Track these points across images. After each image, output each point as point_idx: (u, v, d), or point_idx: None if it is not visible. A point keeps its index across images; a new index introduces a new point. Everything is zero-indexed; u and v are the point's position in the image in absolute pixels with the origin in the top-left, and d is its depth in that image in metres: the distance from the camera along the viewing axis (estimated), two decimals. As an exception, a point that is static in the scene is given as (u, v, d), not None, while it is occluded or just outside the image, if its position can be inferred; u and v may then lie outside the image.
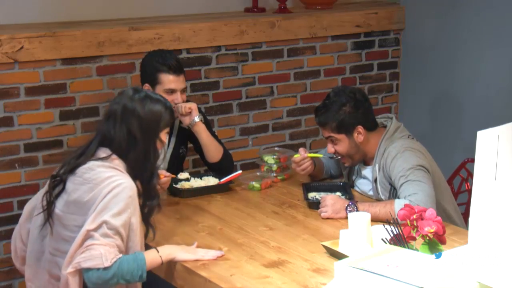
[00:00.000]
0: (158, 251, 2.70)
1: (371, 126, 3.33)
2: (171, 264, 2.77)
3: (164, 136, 2.81)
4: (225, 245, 2.88)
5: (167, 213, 3.25)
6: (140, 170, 2.74)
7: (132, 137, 2.72)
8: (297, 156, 3.49)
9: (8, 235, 3.91)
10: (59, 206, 2.73)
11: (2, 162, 3.85)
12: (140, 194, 2.73)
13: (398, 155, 3.20)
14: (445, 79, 4.72)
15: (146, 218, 2.77)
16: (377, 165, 3.29)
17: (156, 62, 3.52)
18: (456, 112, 4.68)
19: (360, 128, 3.29)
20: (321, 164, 3.63)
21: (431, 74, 4.81)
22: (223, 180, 3.54)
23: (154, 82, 3.51)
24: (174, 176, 3.42)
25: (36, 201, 2.86)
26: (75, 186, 2.70)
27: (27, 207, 2.91)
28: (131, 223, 2.63)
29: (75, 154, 2.77)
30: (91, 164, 2.70)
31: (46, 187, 2.79)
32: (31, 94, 3.86)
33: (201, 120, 3.59)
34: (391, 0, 5.04)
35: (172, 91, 3.52)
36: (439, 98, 4.78)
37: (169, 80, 3.50)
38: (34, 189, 3.90)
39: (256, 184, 3.54)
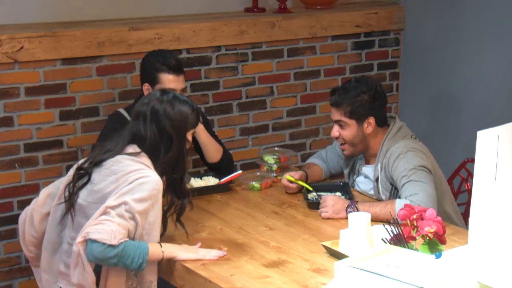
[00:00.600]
0: (161, 246, 2.72)
1: (381, 121, 3.33)
2: (171, 264, 2.77)
3: (190, 136, 2.88)
4: (225, 245, 2.88)
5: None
6: (173, 169, 2.80)
7: (166, 137, 2.78)
8: (289, 178, 3.45)
9: (8, 235, 3.92)
10: (83, 196, 2.77)
11: (2, 162, 3.84)
12: (169, 192, 2.81)
13: (401, 156, 3.20)
14: (445, 79, 4.72)
15: (178, 216, 2.87)
16: (379, 164, 3.28)
17: (156, 62, 3.51)
18: (456, 112, 4.68)
19: (371, 119, 3.28)
20: (318, 171, 3.62)
21: (431, 74, 4.81)
22: (223, 180, 3.54)
23: (153, 82, 3.51)
24: None
25: (53, 189, 2.89)
26: (101, 177, 2.74)
27: (44, 192, 2.91)
28: (149, 215, 2.66)
29: (103, 150, 2.82)
30: (119, 157, 2.76)
31: (68, 177, 2.82)
32: (31, 94, 3.86)
33: (199, 121, 3.59)
34: (391, 0, 5.04)
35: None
36: (439, 98, 4.78)
37: (168, 80, 3.49)
38: (34, 189, 3.90)
39: (256, 184, 3.54)
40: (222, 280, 2.60)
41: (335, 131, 3.35)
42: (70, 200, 2.77)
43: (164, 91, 2.88)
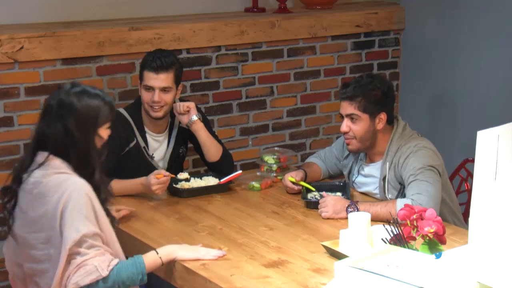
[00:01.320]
0: (157, 253, 2.69)
1: (391, 119, 3.33)
2: (171, 264, 2.77)
3: (104, 132, 2.71)
4: (225, 245, 2.88)
5: (167, 213, 3.25)
6: (82, 167, 2.64)
7: (69, 133, 2.61)
8: (291, 180, 3.45)
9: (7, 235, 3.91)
10: (19, 227, 2.65)
11: (2, 162, 3.84)
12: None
13: (411, 155, 3.20)
14: (445, 79, 4.72)
15: (106, 210, 2.70)
16: (387, 163, 3.27)
17: (144, 59, 3.57)
18: (456, 112, 4.68)
19: (383, 115, 3.27)
20: (318, 171, 3.62)
21: (431, 74, 4.81)
22: (223, 180, 3.54)
23: (141, 79, 3.57)
24: (173, 176, 3.43)
25: None
26: (28, 204, 2.62)
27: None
28: (97, 217, 2.57)
29: (18, 166, 2.69)
30: (35, 175, 2.60)
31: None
32: (31, 94, 3.86)
33: (199, 119, 3.59)
34: (391, 0, 5.04)
35: (149, 88, 3.52)
36: (439, 98, 4.78)
37: (148, 77, 3.52)
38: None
39: (256, 184, 3.54)
40: (222, 280, 2.60)
41: (346, 125, 3.28)
42: (8, 229, 2.67)
43: (74, 84, 2.71)
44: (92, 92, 2.70)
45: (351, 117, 3.28)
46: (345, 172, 3.54)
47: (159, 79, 3.51)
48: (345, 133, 3.31)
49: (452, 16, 4.62)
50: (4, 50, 3.73)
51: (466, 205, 3.72)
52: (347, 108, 3.28)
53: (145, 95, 3.53)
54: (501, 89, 4.38)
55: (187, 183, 3.53)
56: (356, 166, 3.48)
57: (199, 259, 2.73)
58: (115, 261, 2.55)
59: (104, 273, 2.50)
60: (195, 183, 3.54)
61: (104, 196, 2.69)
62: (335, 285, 2.33)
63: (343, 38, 4.73)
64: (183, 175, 3.56)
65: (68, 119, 2.62)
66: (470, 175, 3.79)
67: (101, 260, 2.51)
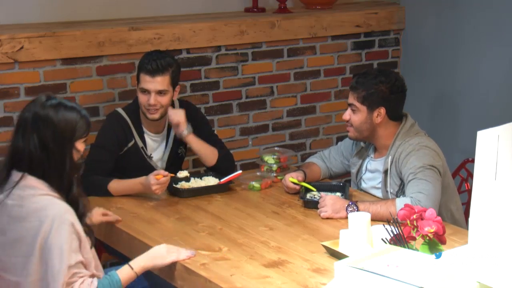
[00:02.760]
0: (131, 267, 2.65)
1: (393, 115, 3.33)
2: (171, 265, 2.76)
3: (80, 145, 2.64)
4: (225, 245, 2.88)
5: (167, 213, 3.25)
6: (58, 182, 2.58)
7: (45, 147, 2.54)
8: (293, 180, 3.45)
9: None
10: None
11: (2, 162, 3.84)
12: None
13: (413, 152, 3.20)
14: (445, 79, 4.72)
15: (82, 223, 2.64)
16: (390, 157, 3.28)
17: (141, 61, 3.56)
18: (456, 112, 4.68)
19: (382, 110, 3.28)
20: (317, 171, 3.62)
21: (431, 74, 4.81)
22: (223, 180, 3.54)
23: (138, 81, 3.56)
24: (173, 175, 3.43)
25: None
26: (4, 227, 2.56)
27: None
28: (81, 243, 2.55)
29: None
30: (13, 197, 2.55)
31: None
32: (31, 94, 3.86)
33: (189, 132, 3.59)
34: (391, 0, 5.04)
35: (145, 91, 3.52)
36: (439, 98, 4.78)
37: (145, 80, 3.51)
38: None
39: (256, 184, 3.54)
40: (222, 280, 2.60)
41: (347, 114, 3.35)
42: None
43: (49, 96, 2.63)
44: (68, 105, 2.63)
45: (351, 107, 3.33)
46: (354, 170, 3.53)
47: (155, 82, 3.50)
48: (347, 121, 3.38)
49: (452, 16, 4.62)
50: (4, 50, 3.73)
51: (466, 205, 3.72)
52: (350, 97, 3.35)
53: (142, 98, 3.53)
54: (501, 89, 4.38)
55: (187, 183, 3.53)
56: (364, 163, 3.48)
57: (175, 261, 2.72)
58: (95, 282, 2.52)
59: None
60: (195, 183, 3.54)
61: (82, 211, 2.64)
62: (335, 285, 2.33)
63: (343, 38, 4.73)
64: (182, 173, 3.56)
65: (45, 132, 2.55)
66: (470, 175, 3.79)
67: None
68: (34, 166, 2.55)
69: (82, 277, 2.50)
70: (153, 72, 3.49)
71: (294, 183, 3.43)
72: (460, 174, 3.89)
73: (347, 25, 4.70)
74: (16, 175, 2.57)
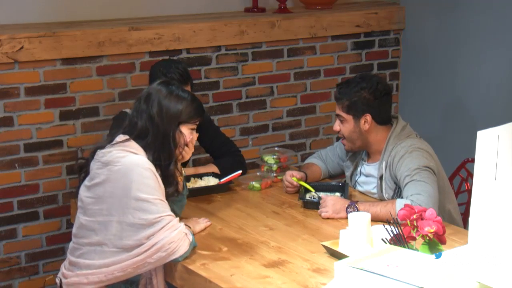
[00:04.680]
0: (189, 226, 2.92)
1: (382, 120, 3.32)
2: (171, 264, 2.77)
3: (186, 130, 2.86)
4: (225, 245, 2.88)
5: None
6: (158, 155, 2.80)
7: (151, 120, 2.80)
8: (294, 179, 3.45)
9: (8, 235, 3.92)
10: (83, 192, 2.83)
11: (2, 162, 3.85)
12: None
13: (406, 155, 3.20)
14: (445, 79, 4.72)
15: None
16: (384, 162, 3.28)
17: (160, 73, 3.47)
18: (456, 112, 4.68)
19: (368, 117, 3.28)
20: (318, 171, 3.62)
21: (431, 74, 4.81)
22: (223, 180, 3.54)
23: None
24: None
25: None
26: (94, 171, 2.80)
27: None
28: (161, 189, 2.77)
29: (101, 141, 2.94)
30: (107, 149, 2.80)
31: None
32: (31, 94, 3.86)
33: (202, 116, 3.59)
34: (391, 0, 5.04)
35: None
36: (439, 98, 4.78)
37: None
38: (34, 189, 3.90)
39: (256, 184, 3.54)
40: (222, 280, 2.60)
41: (336, 125, 3.37)
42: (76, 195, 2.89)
43: (168, 83, 2.90)
44: (183, 90, 2.89)
45: (339, 117, 3.34)
46: (347, 173, 3.54)
47: None
48: (338, 132, 3.39)
49: (452, 16, 4.62)
50: (4, 50, 3.73)
51: (466, 205, 3.72)
52: (336, 108, 3.37)
53: None
54: (501, 89, 4.38)
55: (187, 183, 3.53)
56: (358, 166, 3.48)
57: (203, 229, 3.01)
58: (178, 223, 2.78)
59: (189, 235, 2.76)
60: (195, 183, 3.54)
61: (172, 191, 2.84)
62: (335, 285, 2.33)
63: (343, 38, 4.73)
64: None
65: (154, 106, 2.80)
66: (470, 175, 3.79)
67: (183, 225, 2.76)
68: (139, 134, 2.81)
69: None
70: (180, 83, 3.41)
71: (295, 182, 3.43)
72: (460, 174, 3.88)
73: (347, 25, 4.70)
74: (121, 137, 2.83)
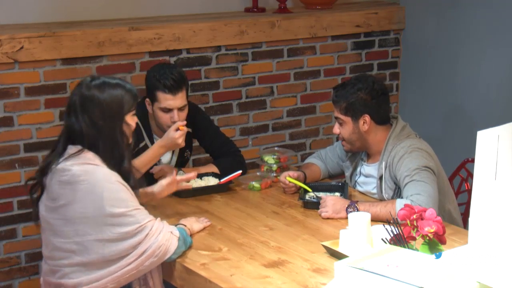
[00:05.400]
0: (185, 224, 2.94)
1: (380, 120, 3.32)
2: (171, 264, 2.77)
3: (130, 119, 2.77)
4: (225, 245, 2.88)
5: (167, 213, 3.25)
6: (111, 157, 2.71)
7: (95, 125, 2.68)
8: (291, 180, 3.44)
9: (8, 235, 3.92)
10: (46, 213, 2.71)
11: (2, 162, 3.85)
12: None
13: (406, 155, 3.20)
14: (445, 79, 4.73)
15: None
16: (383, 162, 3.28)
17: (154, 79, 3.43)
18: (456, 112, 4.68)
19: (366, 117, 3.28)
20: (317, 171, 3.62)
21: (431, 74, 4.81)
22: (223, 180, 3.54)
23: (153, 99, 3.46)
24: (189, 129, 3.43)
25: None
26: (56, 191, 2.66)
27: None
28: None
29: (49, 159, 2.74)
30: (64, 164, 2.66)
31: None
32: (31, 94, 3.86)
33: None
34: (391, 0, 5.04)
35: (168, 110, 3.45)
36: (439, 98, 4.78)
37: (165, 99, 3.41)
38: (34, 189, 3.90)
39: (256, 184, 3.54)
40: (222, 280, 2.60)
41: (336, 127, 3.37)
42: (34, 217, 2.76)
43: (93, 77, 2.76)
44: (113, 82, 2.76)
45: (337, 120, 3.35)
46: (347, 173, 3.54)
47: (177, 99, 3.42)
48: (338, 134, 3.39)
49: (452, 16, 4.62)
50: (4, 50, 3.73)
51: (466, 205, 3.72)
52: (334, 111, 3.37)
53: (163, 117, 3.45)
54: (501, 89, 4.38)
55: (187, 183, 3.52)
56: (358, 166, 3.48)
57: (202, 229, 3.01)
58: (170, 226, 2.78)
59: (176, 234, 2.75)
60: (195, 183, 3.54)
61: (132, 184, 2.76)
62: (335, 285, 2.33)
63: (343, 38, 4.73)
64: (180, 173, 3.55)
65: (93, 111, 2.68)
66: (470, 175, 3.79)
67: (165, 225, 2.75)
68: (89, 143, 2.70)
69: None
70: (173, 90, 3.40)
71: (291, 182, 3.43)
72: (460, 174, 3.88)
73: (347, 25, 4.71)
74: (73, 148, 2.70)
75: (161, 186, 3.13)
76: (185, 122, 3.35)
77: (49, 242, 2.72)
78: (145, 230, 2.66)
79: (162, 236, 2.69)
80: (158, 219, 2.76)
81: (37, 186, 2.75)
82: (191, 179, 3.32)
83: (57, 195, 2.67)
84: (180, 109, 3.46)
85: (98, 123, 2.68)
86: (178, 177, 3.18)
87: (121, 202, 2.64)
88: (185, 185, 3.26)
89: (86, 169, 2.64)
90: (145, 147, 3.55)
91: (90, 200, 2.62)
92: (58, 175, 2.67)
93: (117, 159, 2.72)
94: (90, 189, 2.62)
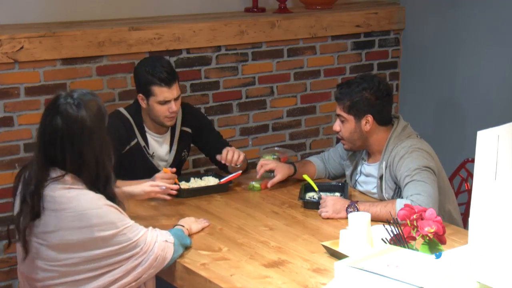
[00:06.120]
0: (182, 225, 2.94)
1: (383, 120, 3.32)
2: (171, 265, 2.77)
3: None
4: (225, 245, 2.88)
5: (167, 213, 3.25)
6: (96, 181, 2.63)
7: (81, 152, 2.58)
8: (304, 177, 3.47)
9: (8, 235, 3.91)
10: (34, 238, 2.63)
11: (2, 162, 3.85)
12: None
13: (406, 155, 3.20)
14: (445, 79, 4.73)
15: None
16: (384, 162, 3.28)
17: (147, 74, 3.45)
18: (456, 112, 4.68)
19: (369, 117, 3.28)
20: (311, 170, 3.62)
21: (431, 74, 4.81)
22: (223, 180, 3.54)
23: (148, 94, 3.47)
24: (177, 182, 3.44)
25: None
26: (43, 218, 2.59)
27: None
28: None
29: (27, 181, 2.65)
30: (48, 191, 2.58)
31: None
32: (31, 94, 3.86)
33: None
34: (391, 0, 5.04)
35: (166, 102, 3.48)
36: (439, 98, 4.78)
37: (161, 92, 3.44)
38: (34, 189, 3.89)
39: (256, 184, 3.54)
40: (222, 280, 2.60)
41: (337, 125, 3.36)
42: (23, 244, 2.63)
43: (67, 95, 2.60)
44: (86, 99, 2.62)
45: (339, 118, 3.33)
46: (348, 172, 3.54)
47: (173, 90, 3.46)
48: (338, 132, 3.38)
49: (452, 16, 4.62)
50: (4, 50, 3.73)
51: (466, 205, 3.72)
52: (337, 108, 3.36)
53: (161, 109, 3.47)
54: (501, 89, 4.38)
55: (187, 183, 3.54)
56: (359, 165, 3.48)
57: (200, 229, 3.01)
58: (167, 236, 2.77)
59: (170, 240, 2.74)
60: (195, 183, 3.54)
61: (117, 203, 2.69)
62: (335, 285, 2.33)
63: (343, 38, 4.73)
64: (184, 184, 3.56)
65: (82, 136, 2.57)
66: (470, 175, 3.79)
67: (159, 234, 2.73)
68: (73, 169, 2.59)
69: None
70: (169, 82, 3.44)
71: (304, 180, 3.45)
72: (460, 174, 3.89)
73: (347, 25, 4.71)
74: (55, 171, 2.59)
75: (143, 191, 3.12)
76: (174, 169, 3.40)
77: (32, 264, 2.64)
78: (138, 245, 2.63)
79: (157, 247, 2.67)
80: (150, 228, 2.72)
81: (28, 213, 2.62)
82: (172, 178, 3.35)
83: (41, 222, 2.59)
84: (176, 99, 3.50)
85: (84, 148, 2.57)
86: (158, 188, 3.16)
87: (111, 225, 2.57)
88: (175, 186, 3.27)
89: (70, 195, 2.56)
90: (137, 145, 3.56)
91: (77, 228, 2.55)
92: (43, 200, 2.59)
93: (102, 182, 2.64)
94: (77, 217, 2.54)
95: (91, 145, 2.59)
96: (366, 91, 3.27)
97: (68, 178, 2.59)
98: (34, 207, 2.59)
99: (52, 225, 2.57)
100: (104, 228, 2.56)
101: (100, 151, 2.62)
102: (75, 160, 2.58)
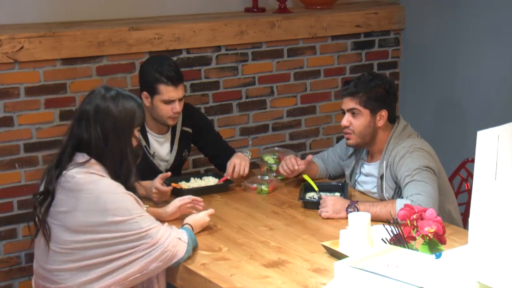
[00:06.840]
0: (190, 224, 2.94)
1: (392, 117, 3.35)
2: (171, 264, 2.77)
3: (137, 132, 2.80)
4: (225, 245, 2.89)
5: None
6: (118, 170, 2.71)
7: (106, 137, 2.69)
8: (305, 177, 3.49)
9: (8, 235, 3.92)
10: (51, 219, 2.69)
11: (2, 162, 3.85)
12: None
13: (407, 155, 3.20)
14: (445, 79, 4.73)
15: None
16: (384, 161, 3.28)
17: (155, 72, 3.45)
18: (456, 112, 4.68)
19: (384, 112, 3.29)
20: (314, 170, 3.63)
21: (431, 74, 4.81)
22: (221, 179, 3.54)
23: (153, 92, 3.47)
24: (179, 187, 3.45)
25: None
26: (59, 197, 2.67)
27: None
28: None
29: (53, 164, 2.73)
30: (71, 172, 2.66)
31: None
32: (31, 94, 3.86)
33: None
34: (391, 0, 5.04)
35: (171, 101, 3.48)
36: (439, 98, 4.78)
37: (168, 91, 3.45)
38: (34, 189, 3.87)
39: (264, 188, 3.52)
40: (222, 280, 2.60)
41: (346, 120, 3.32)
42: (42, 229, 2.69)
43: (107, 88, 2.78)
44: (126, 94, 2.77)
45: (352, 111, 3.31)
46: (347, 172, 3.54)
47: (179, 90, 3.47)
48: (345, 127, 3.34)
49: (452, 16, 4.62)
50: (4, 50, 3.73)
51: (466, 205, 3.72)
52: (349, 103, 3.31)
53: (165, 109, 3.47)
54: (501, 89, 4.38)
55: (187, 183, 3.54)
56: (358, 165, 3.48)
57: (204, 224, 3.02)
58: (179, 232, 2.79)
59: (184, 238, 2.75)
60: (195, 183, 3.54)
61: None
62: (335, 285, 2.33)
63: (343, 38, 4.73)
64: (184, 184, 3.56)
65: (106, 123, 2.69)
66: (470, 175, 3.79)
67: (174, 231, 2.74)
68: (96, 153, 2.69)
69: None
70: (175, 81, 3.44)
71: (304, 180, 3.46)
72: (460, 174, 3.89)
73: (347, 25, 4.70)
74: (81, 156, 2.69)
75: (175, 207, 3.13)
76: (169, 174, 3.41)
77: (43, 249, 2.69)
78: (149, 235, 2.65)
79: (168, 242, 2.68)
80: (166, 224, 2.76)
81: (47, 197, 2.69)
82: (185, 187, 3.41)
83: (58, 201, 2.67)
84: (180, 99, 3.50)
85: (109, 135, 2.68)
86: (186, 200, 3.17)
87: (125, 211, 2.63)
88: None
89: (90, 179, 2.64)
90: (138, 145, 3.55)
91: (92, 211, 2.61)
92: (62, 181, 2.66)
93: (124, 173, 2.72)
94: (93, 200, 2.61)
95: (116, 133, 2.69)
96: (379, 87, 3.29)
97: (93, 163, 2.67)
98: (54, 187, 2.67)
99: (68, 205, 2.64)
100: (117, 213, 2.61)
101: (124, 144, 2.71)
102: (99, 144, 2.67)
